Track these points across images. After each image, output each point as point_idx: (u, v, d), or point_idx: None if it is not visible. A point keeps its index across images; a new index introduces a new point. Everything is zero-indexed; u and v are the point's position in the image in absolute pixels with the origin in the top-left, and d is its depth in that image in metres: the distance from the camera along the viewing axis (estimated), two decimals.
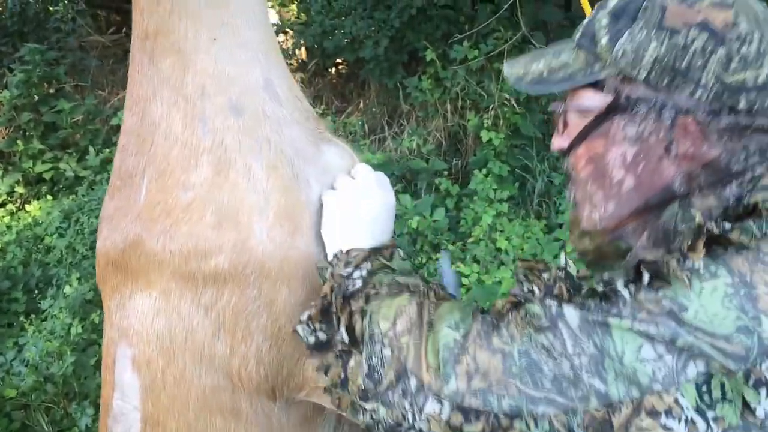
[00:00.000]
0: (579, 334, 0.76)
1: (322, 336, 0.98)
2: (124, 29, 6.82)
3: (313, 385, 1.10)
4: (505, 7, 4.32)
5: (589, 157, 0.93)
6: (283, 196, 1.07)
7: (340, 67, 6.15)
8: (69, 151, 4.67)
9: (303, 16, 5.69)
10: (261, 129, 1.09)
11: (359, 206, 1.07)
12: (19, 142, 4.64)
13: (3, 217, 4.27)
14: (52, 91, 4.99)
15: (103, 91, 5.49)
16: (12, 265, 3.53)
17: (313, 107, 5.35)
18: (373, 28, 5.01)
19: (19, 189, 4.55)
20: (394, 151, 4.79)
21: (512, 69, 0.98)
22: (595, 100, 0.90)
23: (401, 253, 1.08)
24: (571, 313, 0.77)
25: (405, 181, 4.63)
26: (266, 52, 1.12)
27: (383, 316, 0.91)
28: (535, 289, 0.83)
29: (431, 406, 0.82)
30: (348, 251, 1.03)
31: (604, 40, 0.87)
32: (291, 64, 6.00)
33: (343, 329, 0.95)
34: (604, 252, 0.96)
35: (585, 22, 0.93)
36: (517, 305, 0.83)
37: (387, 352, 0.88)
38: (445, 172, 4.54)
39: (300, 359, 1.09)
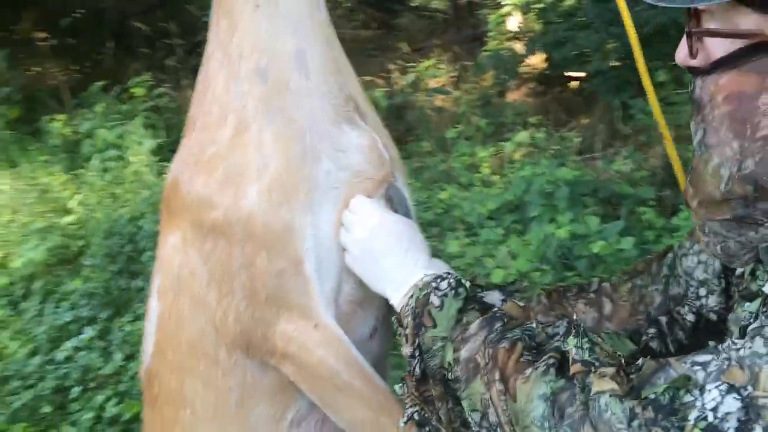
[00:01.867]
0: None
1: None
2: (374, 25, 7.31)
3: (280, 354, 1.12)
4: None
5: (733, 93, 0.73)
6: (282, 166, 1.10)
7: (573, 81, 5.97)
8: None
9: (537, 25, 5.62)
10: (281, 98, 1.12)
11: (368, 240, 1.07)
12: None
13: None
14: None
15: None
16: None
17: (536, 118, 5.16)
18: (606, 43, 4.79)
19: None
20: (602, 172, 4.55)
21: None
22: (751, 22, 0.70)
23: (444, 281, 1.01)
24: None
25: (610, 205, 4.39)
26: (304, 22, 1.14)
27: (472, 408, 0.89)
28: None
29: None
30: (397, 319, 1.01)
31: None
32: (525, 73, 5.98)
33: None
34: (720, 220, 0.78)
35: None
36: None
37: None
38: (653, 202, 4.21)
39: (272, 326, 1.11)
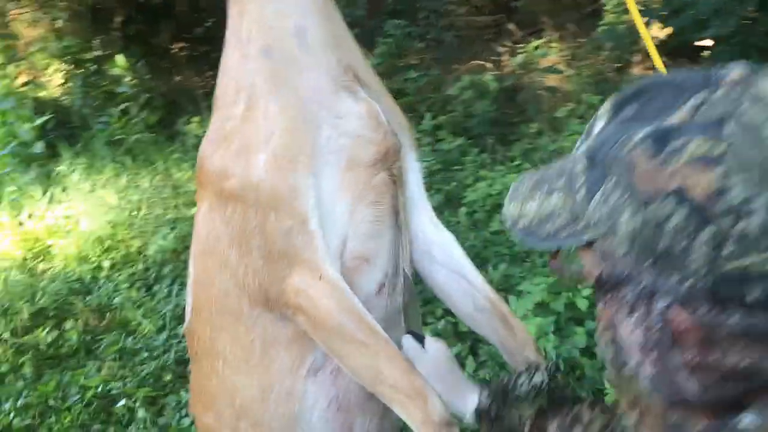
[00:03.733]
0: None
1: None
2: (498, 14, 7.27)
3: (293, 306, 1.21)
4: None
5: (606, 321, 0.72)
6: (286, 134, 1.20)
7: (704, 51, 5.62)
8: (410, 115, 5.28)
9: None
10: (284, 72, 1.23)
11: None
12: None
13: None
14: (413, 62, 5.65)
15: (456, 65, 5.99)
16: None
17: None
18: (726, 7, 4.50)
19: None
20: None
21: (511, 203, 0.78)
22: (591, 264, 0.70)
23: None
24: None
25: None
26: (304, 1, 1.25)
27: None
28: None
29: None
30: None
31: (581, 193, 0.69)
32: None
33: None
34: None
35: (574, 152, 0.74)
36: None
37: None
38: None
39: (285, 281, 1.21)
